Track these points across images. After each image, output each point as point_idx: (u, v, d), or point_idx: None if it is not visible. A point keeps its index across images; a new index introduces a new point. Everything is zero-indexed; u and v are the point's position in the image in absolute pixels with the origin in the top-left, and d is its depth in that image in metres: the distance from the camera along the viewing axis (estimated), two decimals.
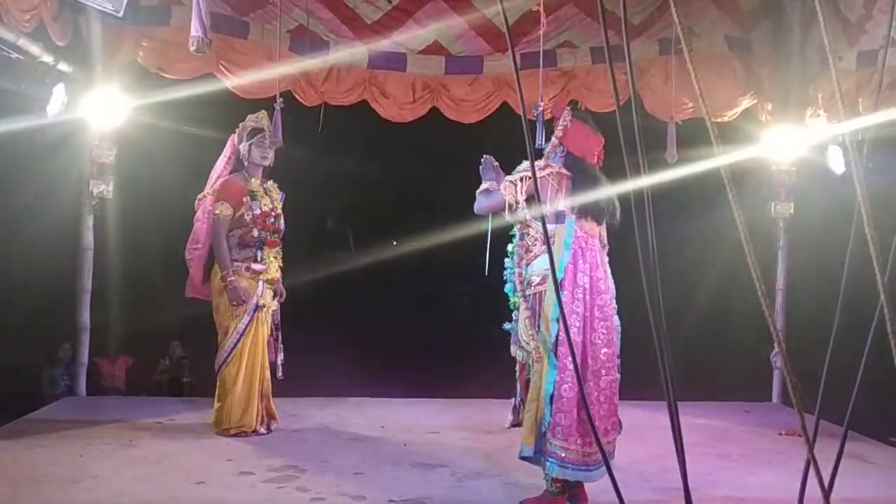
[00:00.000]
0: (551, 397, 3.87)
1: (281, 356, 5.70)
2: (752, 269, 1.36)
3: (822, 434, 1.70)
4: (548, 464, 3.92)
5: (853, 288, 2.03)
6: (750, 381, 7.85)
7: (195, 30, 4.82)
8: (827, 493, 1.42)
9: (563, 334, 3.85)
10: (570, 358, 3.83)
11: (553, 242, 3.93)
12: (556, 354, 3.87)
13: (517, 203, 3.99)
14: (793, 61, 6.92)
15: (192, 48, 4.86)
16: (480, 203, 4.24)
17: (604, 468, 3.86)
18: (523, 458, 4.04)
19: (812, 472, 1.41)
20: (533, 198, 3.96)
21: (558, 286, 3.85)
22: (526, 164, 4.05)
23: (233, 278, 5.38)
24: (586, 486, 4.05)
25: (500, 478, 4.62)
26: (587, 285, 3.94)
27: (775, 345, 7.17)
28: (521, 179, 3.98)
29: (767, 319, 1.63)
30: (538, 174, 3.97)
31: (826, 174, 6.68)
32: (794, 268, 7.38)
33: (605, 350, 3.96)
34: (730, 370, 8.80)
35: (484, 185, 4.25)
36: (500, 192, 4.08)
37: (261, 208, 5.53)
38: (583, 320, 3.91)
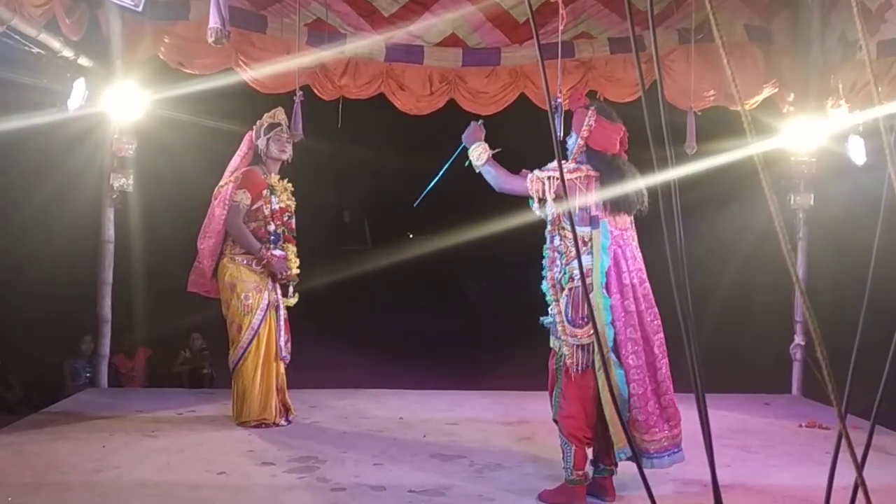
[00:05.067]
0: (628, 397, 3.90)
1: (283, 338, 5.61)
2: (787, 257, 1.35)
3: (847, 426, 1.69)
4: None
5: (875, 278, 2.02)
6: (770, 373, 7.80)
7: (214, 21, 4.76)
8: (860, 469, 1.42)
9: (620, 336, 3.90)
10: (632, 357, 3.90)
11: (590, 247, 3.95)
12: (618, 356, 3.90)
13: (544, 199, 3.97)
14: (812, 51, 6.87)
15: (210, 39, 4.80)
16: (501, 182, 4.13)
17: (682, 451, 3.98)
18: (626, 460, 4.00)
19: (844, 449, 1.41)
20: (561, 198, 3.93)
21: (607, 290, 3.89)
22: (554, 164, 3.98)
23: (267, 254, 5.42)
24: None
25: (519, 468, 4.63)
26: (634, 282, 3.97)
27: (795, 336, 7.16)
28: (550, 178, 3.95)
29: (805, 309, 1.62)
30: (567, 176, 3.93)
31: (846, 165, 6.62)
32: (814, 259, 7.33)
33: (658, 336, 4.00)
34: (749, 362, 8.75)
35: (478, 151, 4.16)
36: (527, 183, 4.02)
37: (279, 204, 5.56)
38: (638, 316, 3.94)
